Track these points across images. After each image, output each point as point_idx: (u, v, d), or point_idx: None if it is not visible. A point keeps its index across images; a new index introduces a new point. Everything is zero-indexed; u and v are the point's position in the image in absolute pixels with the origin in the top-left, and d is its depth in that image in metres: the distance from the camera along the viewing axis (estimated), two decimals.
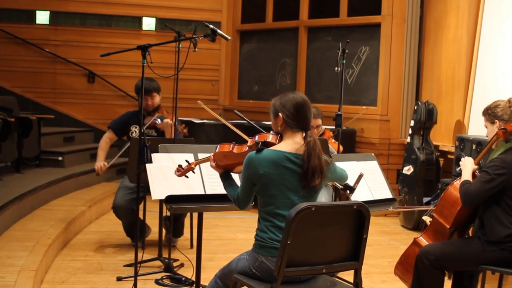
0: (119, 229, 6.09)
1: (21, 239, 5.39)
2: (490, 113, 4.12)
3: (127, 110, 6.43)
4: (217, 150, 3.65)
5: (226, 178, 3.63)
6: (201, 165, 4.15)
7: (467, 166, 4.09)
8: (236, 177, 3.71)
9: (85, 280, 4.97)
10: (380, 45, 8.29)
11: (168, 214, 5.54)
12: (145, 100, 5.85)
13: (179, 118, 5.87)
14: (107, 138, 6.12)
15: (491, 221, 3.91)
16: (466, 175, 4.02)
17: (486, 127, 4.19)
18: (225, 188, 3.60)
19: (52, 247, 5.38)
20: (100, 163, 5.98)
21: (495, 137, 4.04)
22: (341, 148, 5.86)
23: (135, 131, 5.97)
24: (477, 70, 7.10)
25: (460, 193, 3.93)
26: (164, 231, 5.76)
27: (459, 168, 6.27)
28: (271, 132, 3.49)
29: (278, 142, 3.39)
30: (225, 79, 10.27)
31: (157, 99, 5.95)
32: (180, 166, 3.92)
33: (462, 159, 4.20)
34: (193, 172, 3.96)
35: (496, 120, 4.07)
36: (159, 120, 5.88)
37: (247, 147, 3.50)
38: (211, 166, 3.70)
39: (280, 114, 3.37)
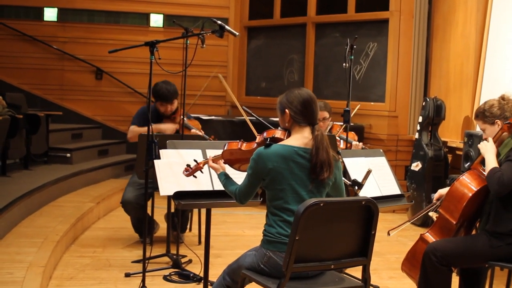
0: (127, 226, 6.10)
1: (30, 235, 5.41)
2: (488, 115, 4.06)
3: (135, 106, 6.43)
4: (225, 148, 3.67)
5: (226, 176, 3.64)
6: None
7: (490, 150, 3.97)
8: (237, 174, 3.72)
9: (94, 276, 4.98)
10: (388, 41, 8.27)
11: (173, 210, 5.55)
12: (163, 107, 5.83)
13: (193, 115, 5.87)
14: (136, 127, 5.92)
15: (500, 212, 3.89)
16: (492, 161, 3.90)
17: (484, 130, 4.13)
18: (225, 184, 3.61)
19: (61, 244, 5.39)
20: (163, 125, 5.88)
21: (500, 132, 4.01)
22: (355, 136, 5.89)
23: None
24: (486, 65, 7.07)
25: (490, 181, 3.82)
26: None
27: (467, 164, 6.26)
28: (279, 128, 3.50)
29: (286, 138, 3.40)
30: (232, 75, 10.26)
31: (175, 103, 5.90)
32: (188, 165, 3.91)
33: (482, 143, 4.06)
34: (201, 172, 3.96)
35: (497, 120, 4.04)
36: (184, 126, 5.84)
37: (256, 144, 3.53)
38: (210, 165, 3.71)
39: (287, 110, 3.39)
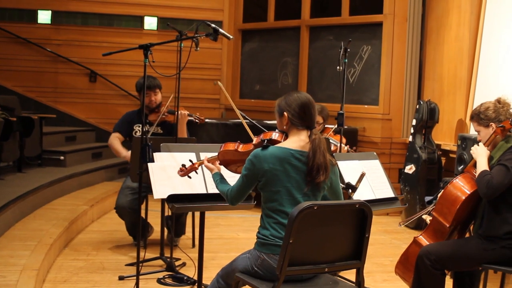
0: (121, 228, 6.09)
1: (23, 238, 5.40)
2: (482, 117, 4.07)
3: (129, 109, 6.42)
4: (221, 149, 3.67)
5: (221, 176, 3.64)
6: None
7: (482, 154, 4.00)
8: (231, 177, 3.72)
9: (87, 279, 4.97)
10: (382, 44, 8.28)
11: (170, 213, 5.54)
12: (148, 97, 5.83)
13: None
14: (116, 138, 5.98)
15: (492, 216, 3.90)
16: (483, 164, 3.94)
17: (479, 132, 4.15)
18: (218, 184, 3.60)
19: (54, 247, 5.38)
20: (127, 152, 5.85)
21: (493, 136, 4.02)
22: (344, 139, 5.87)
23: (138, 130, 5.92)
24: (479, 68, 7.09)
25: (480, 184, 3.85)
26: (165, 230, 5.76)
27: (461, 167, 6.28)
28: (276, 130, 3.51)
29: (284, 140, 3.41)
30: (226, 78, 10.26)
31: (159, 95, 5.93)
32: (183, 165, 3.91)
33: (474, 147, 4.08)
34: (196, 172, 3.96)
35: (492, 123, 4.05)
36: (167, 114, 5.80)
37: (253, 146, 3.53)
38: (205, 165, 3.72)
39: (285, 113, 3.40)
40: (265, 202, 3.36)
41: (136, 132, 5.93)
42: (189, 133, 6.00)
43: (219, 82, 5.63)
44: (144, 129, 4.45)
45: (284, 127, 3.44)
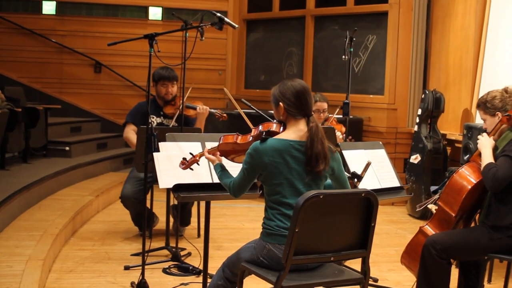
0: (126, 219, 6.10)
1: (29, 228, 5.41)
2: (489, 106, 4.06)
3: (134, 99, 6.41)
4: (221, 142, 3.66)
5: (222, 168, 3.63)
6: None
7: (486, 145, 3.98)
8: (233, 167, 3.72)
9: (93, 269, 4.98)
10: (387, 34, 8.26)
11: (175, 203, 5.55)
12: (165, 88, 5.80)
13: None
14: (132, 130, 5.85)
15: (498, 206, 3.89)
16: (488, 156, 3.92)
17: (485, 120, 4.14)
18: (220, 176, 3.59)
19: (60, 237, 5.39)
20: None
21: (499, 124, 4.01)
22: (343, 129, 5.86)
23: (153, 121, 5.85)
24: (485, 58, 7.06)
25: (485, 177, 3.84)
26: (171, 220, 5.77)
27: (467, 156, 6.26)
28: (274, 121, 3.49)
29: (282, 131, 3.40)
30: (231, 68, 10.25)
31: (176, 87, 5.87)
32: (184, 159, 3.91)
33: (480, 137, 4.07)
34: (198, 164, 3.95)
35: (498, 112, 4.03)
36: (187, 108, 5.74)
37: (251, 137, 3.52)
38: (206, 157, 3.71)
39: (281, 103, 3.38)
40: (268, 194, 3.35)
41: (151, 123, 5.82)
42: None
43: (225, 89, 5.61)
44: (149, 119, 4.43)
45: (281, 117, 3.42)
